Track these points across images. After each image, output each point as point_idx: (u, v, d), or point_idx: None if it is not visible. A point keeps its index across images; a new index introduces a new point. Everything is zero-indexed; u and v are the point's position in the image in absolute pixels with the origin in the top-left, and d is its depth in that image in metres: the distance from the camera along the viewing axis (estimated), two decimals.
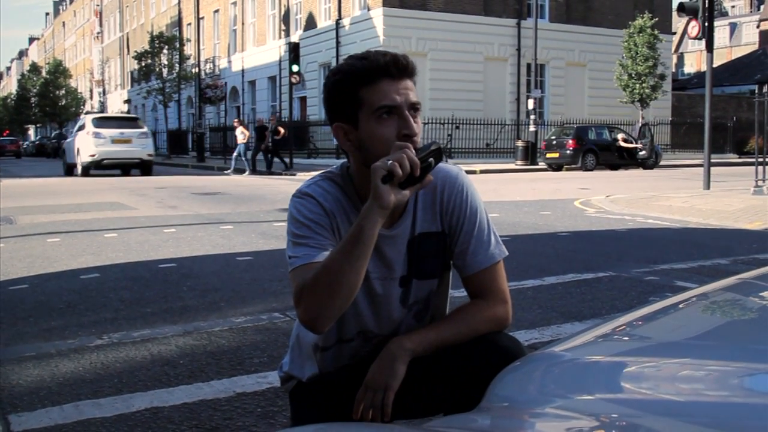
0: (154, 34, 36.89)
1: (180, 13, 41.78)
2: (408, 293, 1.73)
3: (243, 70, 38.09)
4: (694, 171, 19.19)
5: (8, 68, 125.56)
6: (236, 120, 25.48)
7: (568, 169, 21.95)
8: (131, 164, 20.73)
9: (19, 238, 7.54)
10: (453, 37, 28.17)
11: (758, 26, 50.64)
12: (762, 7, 52.58)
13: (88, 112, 52.81)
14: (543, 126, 27.49)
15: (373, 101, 1.57)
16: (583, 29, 31.24)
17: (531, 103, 24.80)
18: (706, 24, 12.46)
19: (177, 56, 36.00)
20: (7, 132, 69.41)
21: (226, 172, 22.46)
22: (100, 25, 65.45)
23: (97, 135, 20.09)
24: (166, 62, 35.68)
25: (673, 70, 44.63)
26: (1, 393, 2.92)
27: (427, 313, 1.78)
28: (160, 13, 48.73)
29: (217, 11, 41.79)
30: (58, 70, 62.23)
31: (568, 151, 21.98)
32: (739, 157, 29.12)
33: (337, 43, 29.50)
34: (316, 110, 30.14)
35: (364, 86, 1.57)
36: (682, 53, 54.71)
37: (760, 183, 11.47)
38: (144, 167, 20.62)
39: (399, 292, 1.72)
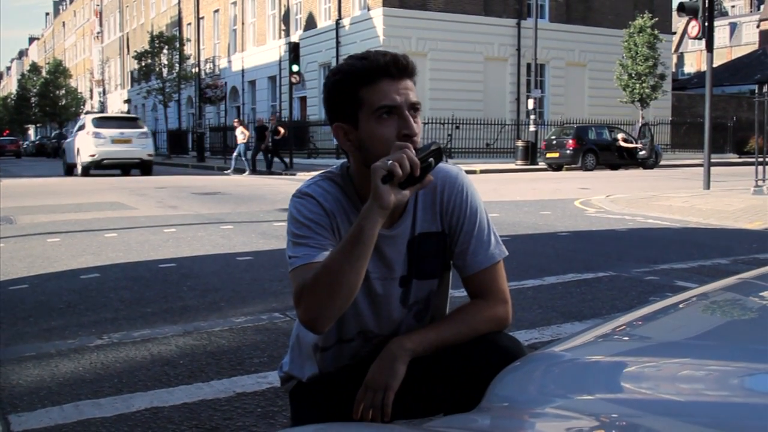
0: (154, 34, 36.88)
1: (180, 12, 41.79)
2: (408, 293, 1.73)
3: (243, 70, 38.09)
4: (694, 171, 19.19)
5: (8, 68, 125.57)
6: (236, 120, 25.49)
7: (568, 169, 21.95)
8: (131, 164, 20.73)
9: (19, 238, 7.54)
10: (453, 37, 28.17)
11: (758, 26, 50.64)
12: (762, 6, 52.58)
13: (88, 112, 52.81)
14: (543, 126, 27.50)
15: (373, 101, 1.57)
16: (583, 29, 31.25)
17: (531, 103, 24.81)
18: (706, 24, 12.46)
19: (177, 56, 35.99)
20: (7, 132, 69.41)
21: (225, 172, 22.45)
22: (100, 25, 65.45)
23: (97, 135, 20.10)
24: (166, 62, 35.68)
25: (673, 69, 44.63)
26: (2, 393, 2.92)
27: (427, 313, 1.77)
28: (160, 12, 48.73)
29: (217, 11, 41.80)
30: (58, 70, 62.23)
31: (568, 151, 21.98)
32: (739, 157, 29.13)
33: (337, 43, 29.50)
34: (316, 110, 30.14)
35: (365, 86, 1.57)
36: (682, 53, 54.71)
37: (760, 183, 11.47)
38: (144, 167, 20.63)
39: (399, 292, 1.72)
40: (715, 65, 20.72)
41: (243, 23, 38.62)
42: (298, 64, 21.59)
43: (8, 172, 24.60)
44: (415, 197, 1.66)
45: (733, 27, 53.39)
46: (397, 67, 1.58)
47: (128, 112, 49.98)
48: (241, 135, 22.46)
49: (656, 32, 25.82)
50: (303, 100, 31.83)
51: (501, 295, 1.69)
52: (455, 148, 25.96)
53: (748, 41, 51.07)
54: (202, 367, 3.21)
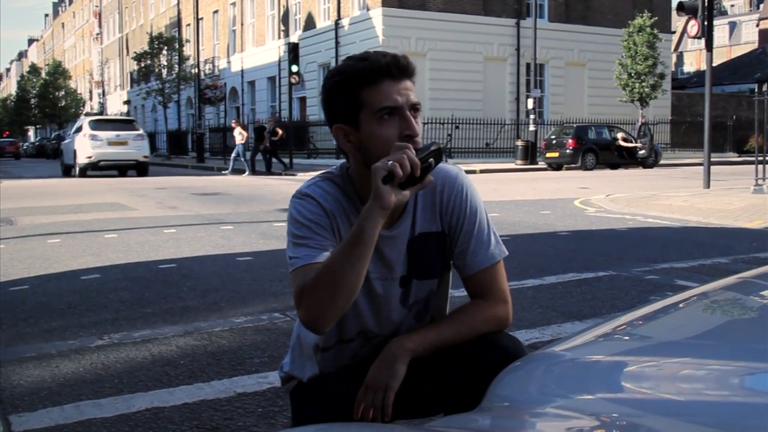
0: (154, 35, 36.88)
1: (179, 13, 41.79)
2: (408, 293, 1.73)
3: (242, 71, 38.08)
4: (693, 170, 19.18)
5: (8, 69, 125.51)
6: (234, 120, 25.48)
7: (567, 169, 21.96)
8: (127, 165, 21.09)
9: (19, 239, 7.54)
10: (452, 37, 28.17)
11: (758, 25, 50.64)
12: (761, 5, 52.59)
13: (87, 113, 52.87)
14: (543, 125, 27.50)
15: (374, 102, 1.57)
16: (582, 29, 31.25)
17: (531, 103, 24.82)
18: (706, 23, 12.45)
19: (176, 57, 35.98)
20: (7, 133, 69.43)
21: (223, 172, 22.45)
22: (100, 26, 65.44)
23: (93, 137, 20.42)
24: (165, 63, 35.67)
25: (673, 69, 44.61)
26: (2, 393, 2.92)
27: (428, 313, 1.78)
28: (160, 14, 48.72)
29: (216, 12, 41.78)
30: (58, 72, 62.26)
31: (567, 151, 21.98)
32: (739, 156, 29.13)
33: (337, 43, 29.51)
34: (315, 110, 30.12)
35: (365, 87, 1.57)
36: (681, 52, 54.71)
37: (760, 182, 11.47)
38: (140, 168, 20.97)
39: (399, 292, 1.72)
40: (714, 64, 20.72)
41: (242, 24, 38.62)
42: (298, 65, 21.59)
43: (8, 173, 24.61)
44: (414, 197, 1.66)
45: (733, 26, 53.39)
46: (398, 68, 1.58)
47: (128, 113, 50.01)
48: (239, 136, 22.46)
49: (656, 31, 25.83)
50: (302, 100, 31.83)
51: (501, 295, 1.69)
52: (455, 148, 25.96)
53: (748, 40, 51.08)
54: (202, 368, 3.21)
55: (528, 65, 28.11)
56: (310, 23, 32.16)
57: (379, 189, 1.44)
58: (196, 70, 33.74)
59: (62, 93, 61.87)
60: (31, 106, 64.09)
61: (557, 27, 30.59)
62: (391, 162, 1.44)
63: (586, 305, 4.31)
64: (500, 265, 1.71)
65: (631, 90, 25.91)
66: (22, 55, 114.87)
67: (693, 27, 12.64)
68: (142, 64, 36.42)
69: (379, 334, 1.74)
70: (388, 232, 1.65)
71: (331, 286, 1.48)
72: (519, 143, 23.74)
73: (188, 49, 37.70)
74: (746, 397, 1.04)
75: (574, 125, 23.79)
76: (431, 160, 1.49)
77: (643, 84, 25.70)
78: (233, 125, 23.76)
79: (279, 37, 34.19)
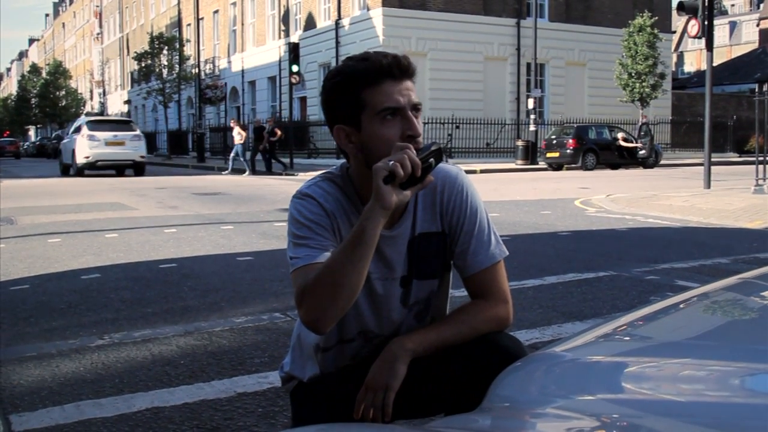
0: (154, 34, 36.87)
1: (180, 13, 41.77)
2: (408, 293, 1.73)
3: (243, 71, 38.09)
4: (694, 170, 19.18)
5: (8, 69, 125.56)
6: (233, 120, 25.48)
7: (568, 169, 21.96)
8: (125, 165, 21.41)
9: (19, 238, 7.54)
10: (453, 36, 28.17)
11: (758, 25, 50.63)
12: (761, 5, 52.57)
13: (88, 113, 52.88)
14: (543, 125, 27.50)
15: (376, 103, 1.57)
16: (582, 28, 31.25)
17: (531, 103, 24.81)
18: (706, 23, 12.46)
19: (177, 57, 35.98)
20: (8, 133, 69.44)
21: (224, 173, 22.46)
22: (100, 26, 65.45)
23: (91, 137, 20.73)
24: (166, 63, 35.67)
25: (673, 69, 44.62)
26: (3, 393, 2.92)
27: (428, 314, 1.78)
28: (160, 13, 48.73)
29: (216, 12, 41.79)
30: (58, 71, 62.28)
31: (568, 151, 21.98)
32: (740, 156, 29.12)
33: (337, 43, 29.50)
34: (316, 110, 30.11)
35: (367, 88, 1.57)
36: (681, 52, 54.70)
37: (760, 182, 11.46)
38: (137, 168, 21.31)
39: (399, 292, 1.72)
40: (715, 64, 20.72)
41: (243, 24, 38.62)
42: (298, 65, 21.59)
43: (8, 172, 24.63)
44: (415, 198, 1.66)
45: (733, 26, 53.38)
46: (400, 68, 1.58)
47: (128, 112, 50.01)
48: (238, 136, 22.47)
49: (656, 31, 25.82)
50: (303, 100, 31.83)
51: (502, 295, 1.69)
52: (455, 148, 25.96)
53: (748, 40, 51.07)
54: (203, 367, 3.22)
55: (528, 65, 28.11)
56: (310, 23, 32.16)
57: (380, 189, 1.44)
58: (197, 70, 33.74)
59: (63, 93, 61.90)
60: (32, 106, 64.12)
61: (558, 27, 30.60)
62: (392, 162, 1.44)
63: (586, 305, 4.31)
64: (501, 265, 1.71)
65: (632, 90, 25.90)
66: (22, 54, 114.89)
67: (693, 27, 12.64)
68: (143, 64, 36.41)
69: (379, 334, 1.74)
70: (389, 232, 1.65)
71: (333, 286, 1.48)
72: (519, 143, 23.74)
73: (189, 49, 37.69)
74: (747, 398, 1.04)
75: (575, 125, 23.80)
76: (432, 160, 1.49)
77: (644, 84, 25.70)
78: (232, 125, 23.76)
79: (279, 37, 34.19)
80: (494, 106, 29.06)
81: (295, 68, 21.25)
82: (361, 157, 1.62)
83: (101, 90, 63.87)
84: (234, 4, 39.53)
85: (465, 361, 1.57)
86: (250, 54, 37.55)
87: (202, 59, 35.56)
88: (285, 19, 34.07)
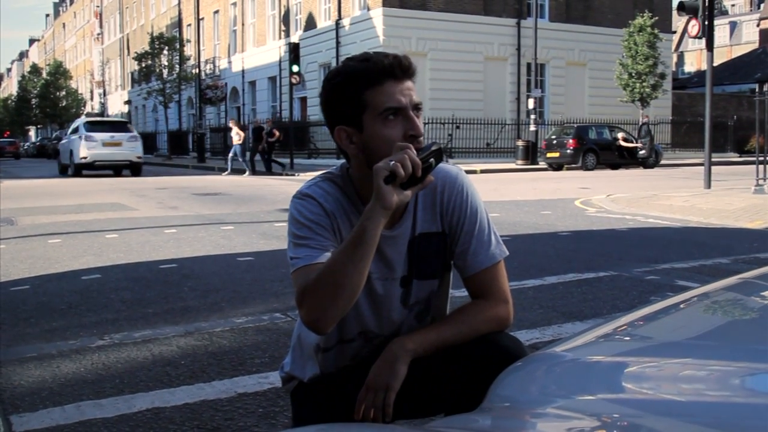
0: (154, 35, 36.86)
1: (180, 14, 41.78)
2: (409, 293, 1.73)
3: (243, 71, 38.09)
4: (694, 170, 19.18)
5: (9, 70, 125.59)
6: (232, 120, 25.45)
7: (568, 169, 21.95)
8: (122, 165, 21.73)
9: (20, 239, 7.54)
10: (453, 36, 28.17)
11: (758, 25, 50.62)
12: (762, 5, 52.56)
13: (88, 114, 52.90)
14: (543, 125, 27.49)
15: (377, 103, 1.57)
16: (583, 28, 31.24)
17: (531, 103, 24.81)
18: (706, 23, 12.45)
19: (177, 57, 35.98)
20: (8, 133, 69.45)
21: (224, 173, 22.45)
22: (100, 26, 65.45)
23: (89, 138, 21.07)
24: (166, 63, 35.67)
25: (674, 69, 44.61)
26: (3, 394, 2.92)
27: (428, 314, 1.78)
28: (160, 14, 48.73)
29: (217, 12, 41.79)
30: (59, 72, 62.30)
31: (568, 151, 21.98)
32: (740, 156, 29.12)
33: (337, 43, 29.51)
34: (316, 110, 30.07)
35: (369, 88, 1.57)
36: (682, 52, 54.69)
37: (760, 182, 11.46)
38: (133, 168, 21.64)
39: (400, 292, 1.72)
40: (715, 64, 20.69)
41: (243, 24, 38.62)
42: (298, 65, 21.60)
43: (8, 173, 24.63)
44: (415, 198, 1.66)
45: (733, 26, 53.37)
46: (401, 69, 1.58)
47: (129, 113, 50.02)
48: (236, 136, 22.47)
49: (656, 31, 25.83)
50: (303, 100, 31.83)
51: (502, 295, 1.69)
52: (455, 148, 25.96)
53: (748, 40, 51.06)
54: (203, 368, 3.22)
55: (528, 65, 28.09)
56: (310, 23, 32.17)
57: (381, 189, 1.45)
58: (197, 70, 33.75)
59: (63, 93, 61.93)
60: (32, 106, 64.15)
61: (558, 27, 30.59)
62: (393, 162, 1.44)
63: (586, 305, 4.31)
64: (501, 265, 1.71)
65: (632, 90, 25.90)
66: (23, 55, 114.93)
67: (694, 27, 12.64)
68: (143, 64, 36.42)
69: (379, 335, 1.74)
70: (389, 232, 1.65)
71: (333, 286, 1.49)
72: (519, 143, 23.74)
73: (189, 49, 37.69)
74: (747, 397, 1.04)
75: (575, 125, 23.79)
76: (432, 160, 1.50)
77: (644, 84, 25.70)
78: (231, 125, 23.76)
79: (280, 37, 34.19)
80: (494, 106, 29.06)
81: (295, 68, 21.25)
82: (362, 158, 1.62)
83: (101, 90, 63.88)
84: (234, 4, 39.53)
85: (465, 361, 1.57)
86: (250, 54, 37.56)
87: (202, 59, 35.57)
88: (285, 19, 34.07)
